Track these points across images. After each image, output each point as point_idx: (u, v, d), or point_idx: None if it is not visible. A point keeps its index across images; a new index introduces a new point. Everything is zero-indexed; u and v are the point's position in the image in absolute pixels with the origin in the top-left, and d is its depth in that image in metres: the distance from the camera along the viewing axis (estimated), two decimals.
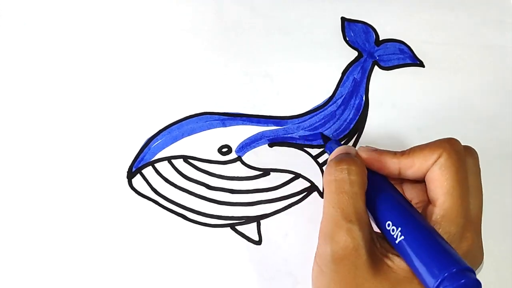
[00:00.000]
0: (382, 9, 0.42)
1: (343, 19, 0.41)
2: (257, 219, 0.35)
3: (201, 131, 0.37)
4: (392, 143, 0.38)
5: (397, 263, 0.25)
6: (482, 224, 0.36)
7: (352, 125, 0.38)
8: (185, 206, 0.35)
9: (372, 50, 0.40)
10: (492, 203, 0.37)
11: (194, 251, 0.34)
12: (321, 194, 0.36)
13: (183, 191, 0.36)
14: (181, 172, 0.36)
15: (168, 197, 0.35)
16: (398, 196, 0.27)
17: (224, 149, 0.36)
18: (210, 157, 0.36)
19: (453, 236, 0.25)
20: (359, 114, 0.39)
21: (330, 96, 0.39)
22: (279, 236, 0.35)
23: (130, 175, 0.36)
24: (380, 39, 0.41)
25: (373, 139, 0.38)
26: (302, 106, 0.38)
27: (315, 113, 0.38)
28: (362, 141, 0.38)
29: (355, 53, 0.40)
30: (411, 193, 0.30)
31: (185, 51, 0.39)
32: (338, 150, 0.30)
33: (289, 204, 0.36)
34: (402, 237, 0.24)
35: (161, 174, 0.36)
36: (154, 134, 0.37)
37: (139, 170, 0.36)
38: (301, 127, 0.38)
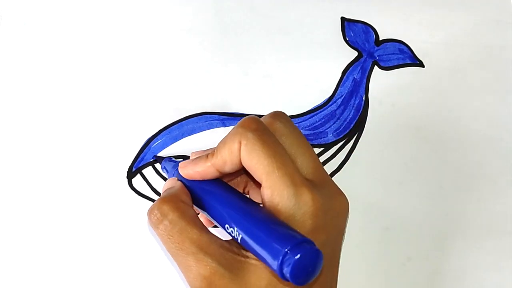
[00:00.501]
0: (382, 9, 0.42)
1: (343, 19, 0.41)
2: None
3: (201, 131, 0.37)
4: (392, 143, 0.38)
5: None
6: (480, 222, 0.36)
7: (352, 125, 0.38)
8: None
9: (372, 50, 0.40)
10: (492, 203, 0.37)
11: None
12: None
13: None
14: None
15: None
16: (229, 195, 0.27)
17: None
18: None
19: (289, 208, 0.24)
20: (359, 114, 0.39)
21: (330, 96, 0.39)
22: None
23: (130, 175, 0.36)
24: (380, 39, 0.41)
25: (373, 139, 0.38)
26: (302, 106, 0.38)
27: (315, 113, 0.38)
28: (362, 141, 0.38)
29: (355, 53, 0.40)
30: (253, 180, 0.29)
31: (185, 51, 0.39)
32: (162, 190, 0.29)
33: None
34: (241, 234, 0.24)
35: (161, 174, 0.36)
36: (154, 134, 0.37)
37: (139, 170, 0.36)
38: (301, 127, 0.38)
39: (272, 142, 0.25)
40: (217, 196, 0.27)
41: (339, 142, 0.38)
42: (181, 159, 0.32)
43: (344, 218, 0.27)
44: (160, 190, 0.35)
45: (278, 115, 0.28)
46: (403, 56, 0.41)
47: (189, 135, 0.37)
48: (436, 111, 0.39)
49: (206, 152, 0.28)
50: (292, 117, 0.38)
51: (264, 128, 0.26)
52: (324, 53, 0.40)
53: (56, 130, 0.37)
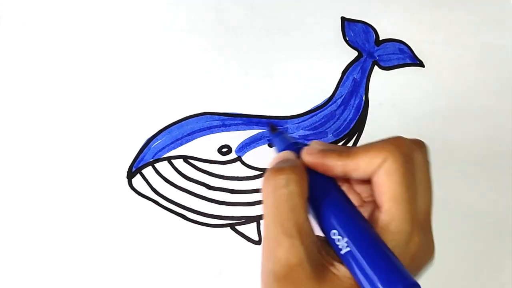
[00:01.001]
0: (382, 9, 0.42)
1: (343, 19, 0.41)
2: (257, 219, 0.35)
3: (201, 131, 0.37)
4: None
5: (342, 272, 0.24)
6: (481, 222, 0.36)
7: (352, 125, 0.38)
8: (185, 206, 0.35)
9: (372, 50, 0.40)
10: (492, 203, 0.37)
11: (194, 251, 0.34)
12: None
13: (183, 191, 0.35)
14: (181, 172, 0.36)
15: (168, 197, 0.35)
16: (344, 202, 0.26)
17: (224, 149, 0.36)
18: (210, 157, 0.36)
19: (399, 244, 0.24)
20: (359, 114, 0.39)
21: (330, 96, 0.39)
22: None
23: (130, 175, 0.36)
24: (380, 39, 0.41)
25: (373, 139, 0.38)
26: (302, 106, 0.38)
27: (315, 113, 0.38)
28: (362, 141, 0.38)
29: (355, 53, 0.40)
30: (360, 188, 0.29)
31: (185, 51, 0.39)
32: (277, 158, 0.28)
33: None
34: (348, 248, 0.23)
35: (161, 174, 0.36)
36: (154, 134, 0.37)
37: (139, 170, 0.36)
38: (301, 127, 0.38)
39: (411, 173, 0.25)
40: (331, 198, 0.26)
41: (339, 142, 0.38)
42: (300, 141, 0.30)
43: (425, 266, 0.27)
44: (160, 190, 0.35)
45: (421, 145, 0.27)
46: (403, 56, 0.40)
47: (189, 135, 0.37)
48: (436, 111, 0.39)
49: (334, 147, 0.27)
50: (292, 117, 0.38)
51: (411, 156, 0.25)
52: (324, 53, 0.40)
53: (56, 130, 0.36)
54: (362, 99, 0.39)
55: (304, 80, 0.39)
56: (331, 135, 0.38)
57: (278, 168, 0.26)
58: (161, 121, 0.37)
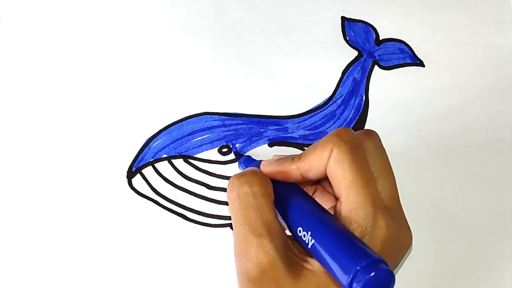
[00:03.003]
0: (382, 9, 0.42)
1: (343, 19, 0.41)
2: None
3: (201, 131, 0.37)
4: (392, 143, 0.38)
5: (316, 267, 0.24)
6: (481, 223, 0.36)
7: (352, 125, 0.38)
8: (185, 206, 0.35)
9: (372, 50, 0.40)
10: (492, 203, 0.37)
11: (194, 251, 0.34)
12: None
13: (183, 191, 0.35)
14: (181, 172, 0.36)
15: (168, 197, 0.35)
16: (306, 201, 0.27)
17: (224, 149, 0.36)
18: (210, 157, 0.36)
19: (365, 228, 0.24)
20: (359, 113, 0.39)
21: (330, 96, 0.39)
22: None
23: (130, 175, 0.36)
24: (380, 38, 0.41)
25: None
26: (302, 105, 0.38)
27: (315, 112, 0.38)
28: None
29: (355, 53, 0.40)
30: (331, 188, 0.29)
31: (185, 51, 0.39)
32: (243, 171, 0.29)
33: None
34: (313, 240, 0.24)
35: (161, 174, 0.36)
36: (154, 134, 0.37)
37: (139, 170, 0.36)
38: (301, 127, 0.38)
39: (362, 159, 0.25)
40: (293, 198, 0.27)
41: None
42: (262, 159, 0.32)
43: (404, 252, 0.27)
44: (160, 190, 0.35)
45: (371, 134, 0.28)
46: (403, 55, 0.41)
47: (189, 135, 0.37)
48: (436, 111, 0.39)
49: (290, 156, 0.28)
50: (292, 117, 0.38)
51: (357, 143, 0.26)
52: (324, 53, 0.40)
53: (56, 130, 0.36)
54: (362, 99, 0.39)
55: (304, 80, 0.39)
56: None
57: (240, 174, 0.26)
58: (161, 121, 0.37)
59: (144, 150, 0.36)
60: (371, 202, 0.24)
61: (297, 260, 0.25)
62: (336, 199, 0.28)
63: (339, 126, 0.38)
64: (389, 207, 0.26)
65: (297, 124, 0.38)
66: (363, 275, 0.21)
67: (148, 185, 0.36)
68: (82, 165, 0.36)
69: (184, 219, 0.35)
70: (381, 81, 0.40)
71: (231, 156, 0.36)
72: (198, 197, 0.35)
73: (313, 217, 0.25)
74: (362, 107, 0.39)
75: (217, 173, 0.36)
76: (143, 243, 0.34)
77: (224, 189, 0.36)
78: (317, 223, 0.25)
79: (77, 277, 0.33)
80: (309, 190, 0.30)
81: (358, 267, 0.21)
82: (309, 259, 0.25)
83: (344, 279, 0.22)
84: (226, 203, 0.35)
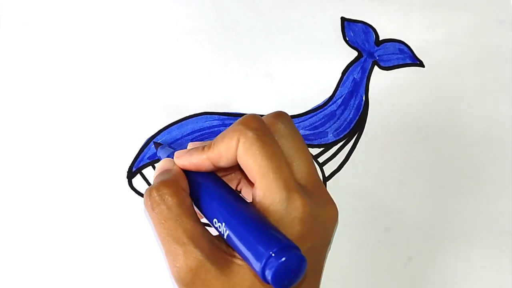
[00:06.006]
0: (382, 9, 0.42)
1: (343, 19, 0.41)
2: None
3: (201, 131, 0.37)
4: (392, 143, 0.38)
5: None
6: (480, 222, 0.36)
7: (352, 125, 0.38)
8: None
9: (372, 50, 0.40)
10: (492, 203, 0.37)
11: None
12: None
13: None
14: None
15: None
16: (221, 190, 0.27)
17: None
18: None
19: (279, 212, 0.24)
20: (359, 114, 0.39)
21: (330, 96, 0.39)
22: None
23: (130, 175, 0.36)
24: (380, 39, 0.41)
25: (373, 139, 0.38)
26: (302, 106, 0.38)
27: (315, 112, 0.38)
28: (362, 141, 0.38)
29: (355, 53, 0.40)
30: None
31: (185, 51, 0.39)
32: (156, 169, 0.29)
33: None
34: (228, 231, 0.24)
35: None
36: (154, 134, 0.37)
37: (139, 170, 0.36)
38: (301, 127, 0.38)
39: (270, 144, 0.25)
40: (208, 189, 0.27)
41: (339, 142, 0.38)
42: (179, 148, 0.32)
43: (332, 227, 0.27)
44: None
45: (280, 116, 0.28)
46: (403, 56, 0.41)
47: (189, 135, 0.37)
48: (436, 111, 0.39)
49: (203, 144, 0.28)
50: (292, 117, 0.38)
51: (264, 128, 0.26)
52: (324, 53, 0.40)
53: (56, 130, 0.36)
54: (362, 99, 0.39)
55: (304, 80, 0.39)
56: (331, 135, 0.38)
57: (151, 188, 0.26)
58: (161, 121, 0.37)
59: (144, 150, 0.36)
60: (283, 185, 0.24)
61: (227, 257, 0.25)
62: None
63: (339, 126, 0.38)
64: (306, 186, 0.26)
65: (297, 124, 0.38)
66: (274, 261, 0.21)
67: (148, 185, 0.36)
68: (82, 165, 0.36)
69: None
70: (381, 81, 0.40)
71: None
72: None
73: (226, 206, 0.25)
74: (362, 107, 0.39)
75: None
76: (143, 243, 0.34)
77: None
78: (230, 212, 0.25)
79: (77, 277, 0.33)
80: (234, 179, 0.30)
81: (270, 253, 0.21)
82: (237, 254, 0.25)
83: (257, 266, 0.22)
84: None
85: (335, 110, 0.38)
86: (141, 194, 0.35)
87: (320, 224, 0.26)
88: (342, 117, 0.38)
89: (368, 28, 0.41)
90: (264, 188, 0.25)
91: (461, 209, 0.37)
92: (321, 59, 0.40)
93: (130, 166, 0.36)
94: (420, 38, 0.41)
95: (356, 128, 0.38)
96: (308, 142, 0.37)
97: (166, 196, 0.25)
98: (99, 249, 0.34)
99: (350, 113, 0.38)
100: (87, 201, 0.35)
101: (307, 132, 0.38)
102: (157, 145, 0.35)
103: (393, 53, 0.41)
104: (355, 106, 0.39)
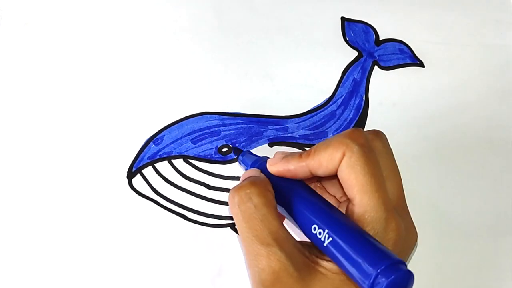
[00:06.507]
0: (382, 9, 0.42)
1: (343, 19, 0.41)
2: None
3: (201, 131, 0.37)
4: (392, 143, 0.38)
5: (329, 268, 0.25)
6: (480, 222, 0.36)
7: (352, 125, 0.38)
8: (185, 206, 0.35)
9: (372, 50, 0.40)
10: (491, 202, 0.37)
11: (194, 251, 0.34)
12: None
13: (183, 191, 0.35)
14: (181, 172, 0.36)
15: (168, 197, 0.35)
16: (318, 199, 0.27)
17: (224, 149, 0.36)
18: (210, 157, 0.36)
19: (378, 231, 0.24)
20: (359, 114, 0.39)
21: (330, 96, 0.39)
22: None
23: (130, 175, 0.36)
24: (380, 39, 0.41)
25: None
26: (302, 106, 0.38)
27: (315, 112, 0.38)
28: None
29: (355, 53, 0.40)
30: (333, 189, 0.30)
31: (185, 51, 0.39)
32: (242, 177, 0.29)
33: None
34: (330, 239, 0.24)
35: (161, 174, 0.36)
36: (154, 134, 0.37)
37: (139, 170, 0.36)
38: (301, 127, 0.38)
39: (374, 162, 0.25)
40: (304, 196, 0.27)
41: None
42: (265, 156, 0.32)
43: (411, 252, 0.28)
44: (160, 190, 0.35)
45: (379, 134, 0.28)
46: (403, 56, 0.41)
47: (189, 135, 0.37)
48: (436, 111, 0.39)
49: (295, 153, 0.28)
50: (292, 117, 0.38)
51: (369, 145, 0.26)
52: (324, 53, 0.40)
53: (56, 130, 0.36)
54: (362, 99, 0.39)
55: (304, 80, 0.39)
56: (331, 135, 0.38)
57: (238, 186, 0.26)
58: (161, 121, 0.37)
59: (144, 150, 0.36)
60: (383, 205, 0.25)
61: (309, 263, 0.25)
62: (339, 201, 0.29)
63: (339, 126, 0.38)
64: (396, 208, 0.26)
65: (297, 124, 0.38)
66: (384, 277, 0.21)
67: (148, 185, 0.36)
68: (83, 165, 0.36)
69: (184, 219, 0.35)
70: (381, 81, 0.40)
71: (231, 155, 0.36)
72: (198, 197, 0.35)
73: (328, 215, 0.25)
74: (362, 107, 0.39)
75: (217, 173, 0.36)
76: (143, 243, 0.34)
77: (224, 189, 0.36)
78: (334, 221, 0.25)
79: (77, 277, 0.33)
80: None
81: (379, 270, 0.21)
82: (321, 261, 0.25)
83: (364, 281, 0.22)
84: (226, 203, 0.35)
85: (335, 110, 0.38)
86: (141, 194, 0.35)
87: (404, 248, 0.26)
88: (342, 117, 0.38)
89: (368, 28, 0.41)
90: (365, 206, 0.25)
91: (460, 208, 0.37)
92: (321, 59, 0.40)
93: (130, 166, 0.36)
94: (420, 38, 0.41)
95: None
96: (308, 142, 0.37)
97: (254, 195, 0.25)
98: (99, 249, 0.34)
99: (350, 113, 0.38)
100: (87, 201, 0.35)
101: (307, 132, 0.38)
102: (238, 151, 0.35)
103: (393, 53, 0.41)
104: (355, 106, 0.39)
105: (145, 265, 0.34)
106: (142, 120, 0.37)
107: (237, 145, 0.37)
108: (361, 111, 0.39)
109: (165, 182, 0.36)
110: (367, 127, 0.38)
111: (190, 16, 0.40)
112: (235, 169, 0.36)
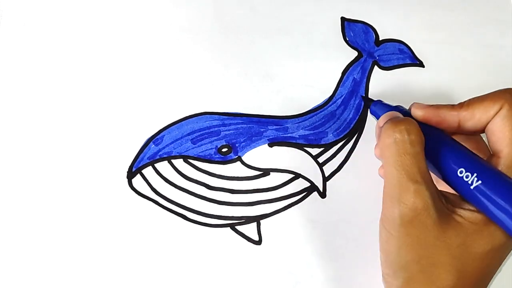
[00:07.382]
0: (382, 9, 0.42)
1: (343, 19, 0.41)
2: (257, 219, 0.35)
3: (201, 131, 0.37)
4: None
5: (466, 217, 0.25)
6: None
7: (352, 125, 0.38)
8: (185, 206, 0.35)
9: (372, 50, 0.40)
10: None
11: (194, 251, 0.34)
12: (321, 194, 0.36)
13: (183, 191, 0.36)
14: (181, 172, 0.36)
15: (168, 197, 0.35)
16: (462, 146, 0.27)
17: (224, 149, 0.37)
18: (210, 157, 0.36)
19: None
20: (359, 114, 0.39)
21: (330, 96, 0.39)
22: (279, 236, 0.35)
23: (130, 175, 0.36)
24: (380, 39, 0.41)
25: (373, 139, 0.38)
26: (302, 106, 0.38)
27: (315, 112, 0.38)
28: (362, 141, 0.38)
29: (355, 53, 0.40)
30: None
31: (185, 51, 0.39)
32: (389, 115, 0.30)
33: (289, 204, 0.36)
34: (479, 181, 0.24)
35: (161, 174, 0.36)
36: (154, 134, 0.37)
37: (139, 170, 0.36)
38: (301, 127, 0.38)
39: None
40: (450, 143, 0.27)
41: (339, 142, 0.38)
42: (399, 105, 0.33)
43: None
44: (160, 190, 0.35)
45: None
46: (403, 56, 0.41)
47: (189, 135, 0.37)
48: None
49: (447, 104, 0.29)
50: (292, 117, 0.38)
51: None
52: (324, 53, 0.40)
53: (56, 130, 0.37)
54: (362, 99, 0.39)
55: (304, 80, 0.39)
56: (331, 135, 0.38)
57: (396, 121, 0.27)
58: (161, 121, 0.37)
59: (144, 150, 0.36)
60: None
61: (446, 211, 0.26)
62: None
63: (339, 126, 0.38)
64: None
65: (297, 124, 0.38)
66: None
67: (148, 185, 0.36)
68: (82, 165, 0.36)
69: (184, 219, 0.35)
70: (381, 82, 0.40)
71: (231, 155, 0.36)
72: (198, 197, 0.35)
73: (475, 159, 0.26)
74: (362, 107, 0.39)
75: (217, 173, 0.36)
76: (143, 243, 0.34)
77: (223, 189, 0.36)
78: (482, 166, 0.25)
79: (77, 277, 0.33)
80: None
81: None
82: (458, 209, 0.26)
83: None
84: (226, 203, 0.35)
85: (335, 110, 0.38)
86: (141, 194, 0.35)
87: None
88: (342, 117, 0.38)
89: (368, 28, 0.41)
90: None
91: None
92: (321, 59, 0.40)
93: (130, 166, 0.36)
94: (420, 38, 0.41)
95: (356, 128, 0.38)
96: (308, 142, 0.37)
97: (412, 132, 0.26)
98: (99, 249, 0.34)
99: (350, 113, 0.38)
100: (87, 201, 0.35)
101: (307, 132, 0.38)
102: (369, 100, 0.35)
103: (393, 53, 0.41)
104: (355, 106, 0.39)
105: (145, 265, 0.34)
106: (142, 120, 0.37)
107: (237, 145, 0.37)
108: (361, 111, 0.39)
109: (165, 182, 0.36)
110: (367, 127, 0.38)
111: (190, 16, 0.40)
112: (235, 169, 0.36)
